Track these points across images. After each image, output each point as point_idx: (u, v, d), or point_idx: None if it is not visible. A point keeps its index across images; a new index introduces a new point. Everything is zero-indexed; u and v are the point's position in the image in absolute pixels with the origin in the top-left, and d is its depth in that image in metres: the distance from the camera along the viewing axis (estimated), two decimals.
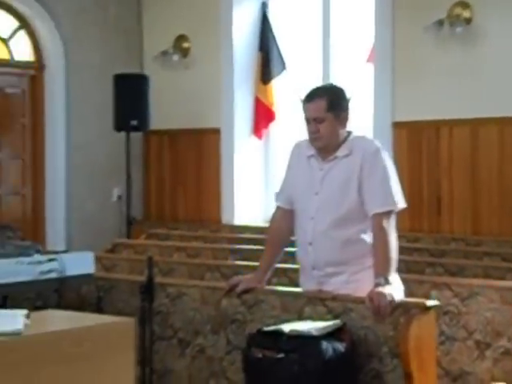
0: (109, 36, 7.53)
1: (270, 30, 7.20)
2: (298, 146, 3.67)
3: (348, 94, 3.65)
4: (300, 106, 3.60)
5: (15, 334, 2.52)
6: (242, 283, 3.62)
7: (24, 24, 7.19)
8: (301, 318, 3.36)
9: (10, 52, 7.16)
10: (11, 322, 2.59)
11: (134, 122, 7.04)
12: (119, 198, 7.44)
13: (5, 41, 7.12)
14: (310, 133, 3.50)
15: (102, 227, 7.24)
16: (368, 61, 6.61)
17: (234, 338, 3.52)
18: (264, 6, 7.29)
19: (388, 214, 3.39)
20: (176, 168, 7.66)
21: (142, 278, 3.68)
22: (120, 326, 2.76)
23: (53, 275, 3.63)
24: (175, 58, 7.52)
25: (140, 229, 6.96)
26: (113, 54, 7.53)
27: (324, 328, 3.12)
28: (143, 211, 7.75)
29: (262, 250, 4.10)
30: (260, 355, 3.09)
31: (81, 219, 7.25)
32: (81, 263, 3.80)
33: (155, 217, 7.71)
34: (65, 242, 7.05)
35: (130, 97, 7.01)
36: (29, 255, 3.72)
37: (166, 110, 7.51)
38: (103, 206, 7.41)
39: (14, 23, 7.14)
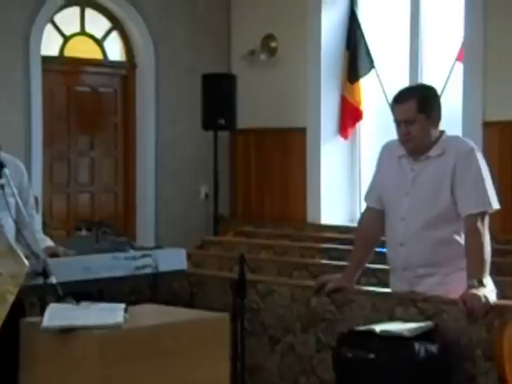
0: (197, 35, 7.65)
1: (359, 28, 7.17)
2: (388, 146, 3.65)
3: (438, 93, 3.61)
4: (387, 104, 3.58)
5: (116, 326, 2.61)
6: (332, 282, 3.63)
7: (116, 25, 7.38)
8: (392, 318, 3.36)
9: (103, 52, 7.37)
10: (111, 315, 2.69)
11: (222, 121, 7.13)
12: (206, 196, 7.56)
13: (99, 41, 7.33)
14: (401, 135, 3.47)
15: (190, 225, 7.37)
16: (458, 59, 6.52)
17: (324, 336, 3.54)
18: (353, 4, 7.26)
19: (482, 215, 3.35)
20: (262, 166, 7.72)
21: (233, 275, 3.75)
22: (215, 322, 2.82)
23: (147, 270, 3.72)
24: (263, 57, 7.57)
25: (227, 226, 7.06)
26: (201, 53, 7.64)
27: (416, 329, 3.11)
28: (230, 209, 7.84)
29: (348, 250, 4.11)
30: (351, 355, 3.11)
31: (169, 216, 7.39)
32: (173, 259, 3.89)
33: (241, 215, 7.79)
34: (154, 238, 7.21)
35: (218, 96, 7.11)
36: (124, 251, 3.83)
37: (253, 109, 7.57)
38: (191, 203, 7.54)
39: (107, 24, 7.34)
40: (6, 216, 3.32)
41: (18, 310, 3.19)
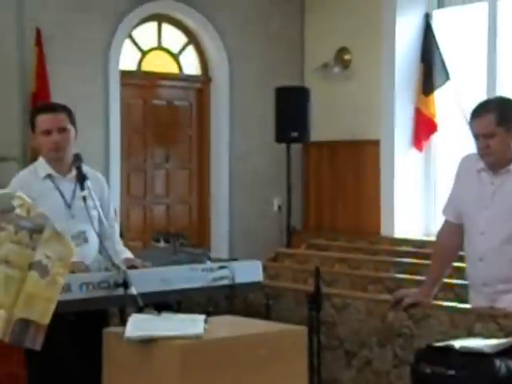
0: (271, 49, 7.71)
1: (434, 41, 7.11)
2: (467, 159, 3.61)
3: None
4: (463, 117, 3.54)
5: (196, 337, 2.65)
6: (409, 297, 3.61)
7: (192, 39, 7.50)
8: (471, 334, 3.31)
9: (179, 66, 7.50)
10: (192, 326, 2.73)
11: (295, 134, 7.16)
12: (279, 208, 7.59)
13: (175, 56, 7.46)
14: (480, 149, 3.42)
15: (262, 236, 7.41)
16: None
17: (401, 351, 3.52)
18: (427, 17, 7.21)
19: None
20: (335, 179, 7.71)
21: (308, 288, 3.76)
22: (293, 334, 2.83)
23: (224, 282, 3.75)
24: (336, 70, 7.59)
25: (299, 239, 7.07)
26: (275, 66, 7.70)
27: (497, 345, 3.05)
28: (302, 221, 7.85)
29: (423, 264, 4.06)
30: (429, 371, 3.07)
31: (242, 228, 7.45)
32: (249, 271, 3.91)
33: (314, 227, 7.79)
34: (227, 250, 7.27)
35: (291, 109, 7.14)
36: (201, 262, 3.88)
37: (326, 122, 7.58)
38: (264, 215, 7.58)
39: (183, 39, 7.47)
40: (89, 228, 3.42)
41: (102, 319, 3.29)
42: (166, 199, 7.45)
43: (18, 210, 2.45)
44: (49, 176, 3.51)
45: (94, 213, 3.42)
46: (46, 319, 2.43)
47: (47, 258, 2.43)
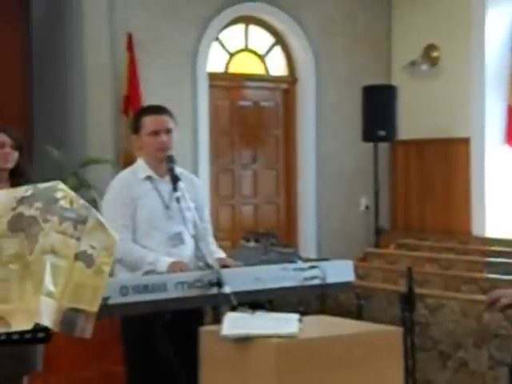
0: (357, 47, 7.67)
1: None
2: None
3: None
4: None
5: (291, 336, 2.67)
6: (505, 297, 3.52)
7: (279, 40, 7.53)
8: None
9: (266, 67, 7.55)
10: (287, 325, 2.75)
11: (382, 133, 7.10)
12: (367, 207, 7.54)
13: (262, 57, 7.51)
14: None
15: (350, 236, 7.38)
16: None
17: (498, 353, 3.45)
18: None
19: None
20: (423, 178, 7.61)
21: (400, 288, 3.73)
22: (388, 335, 2.81)
23: (315, 282, 3.75)
24: (424, 67, 7.49)
25: (387, 239, 7.01)
26: (361, 64, 7.66)
27: None
28: (390, 221, 7.78)
29: None
30: None
31: (329, 228, 7.44)
32: (341, 271, 3.89)
33: (402, 227, 7.71)
34: (315, 249, 7.27)
35: (379, 107, 7.08)
36: (292, 262, 3.90)
37: (414, 120, 7.49)
38: (351, 215, 7.55)
39: (269, 40, 7.51)
40: (185, 230, 3.48)
41: (198, 318, 3.35)
42: (253, 199, 7.50)
43: (61, 202, 2.48)
44: (148, 178, 3.55)
45: (189, 214, 3.48)
46: (95, 307, 2.45)
47: (92, 248, 2.45)
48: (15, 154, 3.71)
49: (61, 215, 2.45)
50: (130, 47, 6.43)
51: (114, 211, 3.51)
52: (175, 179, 3.53)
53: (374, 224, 7.14)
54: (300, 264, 3.83)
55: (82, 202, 2.53)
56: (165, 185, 3.54)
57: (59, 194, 2.49)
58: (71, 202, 2.48)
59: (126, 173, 3.73)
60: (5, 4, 6.45)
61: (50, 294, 2.36)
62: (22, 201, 2.45)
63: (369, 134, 7.14)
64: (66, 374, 4.51)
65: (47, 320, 2.34)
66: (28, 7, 6.68)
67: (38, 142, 6.15)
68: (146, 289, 3.27)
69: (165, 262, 3.46)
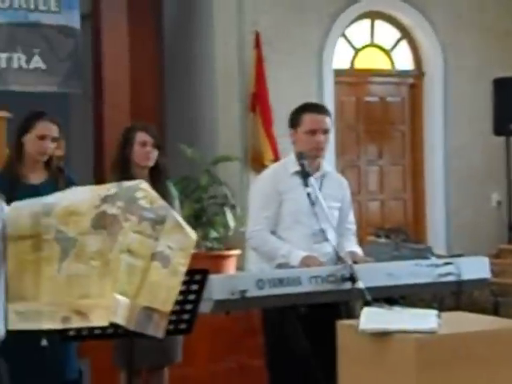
0: (487, 39, 7.46)
1: None
2: None
3: None
4: None
5: (431, 332, 2.66)
6: None
7: (405, 34, 7.44)
8: None
9: (392, 62, 7.48)
10: (425, 320, 2.74)
11: None
12: (499, 203, 7.34)
13: (388, 52, 7.45)
14: None
15: (480, 232, 7.20)
16: None
17: None
18: None
19: None
20: None
21: None
22: None
23: (450, 278, 3.70)
24: None
25: None
26: (491, 56, 7.44)
27: None
28: None
29: None
30: None
31: (459, 224, 7.28)
32: (476, 267, 3.83)
33: None
34: (445, 246, 7.14)
35: (510, 100, 6.88)
36: (425, 258, 3.86)
37: None
38: (481, 211, 7.36)
39: (395, 34, 7.43)
40: (329, 227, 3.50)
41: (334, 312, 3.37)
42: (380, 195, 7.45)
43: (141, 202, 2.49)
44: (297, 173, 3.58)
45: (335, 213, 3.52)
46: (168, 307, 2.46)
47: (169, 248, 2.46)
48: (155, 153, 3.85)
49: (140, 215, 2.48)
50: (258, 45, 6.52)
51: (258, 202, 3.61)
52: (306, 175, 3.56)
53: (507, 220, 6.93)
54: (434, 260, 3.79)
55: (161, 202, 2.55)
56: (313, 181, 3.57)
57: (140, 194, 2.51)
58: (151, 202, 2.50)
59: (276, 166, 3.80)
60: (138, 5, 6.70)
61: (124, 293, 2.41)
62: (105, 199, 2.49)
63: (500, 128, 6.94)
64: (202, 366, 4.64)
65: (120, 318, 2.38)
66: (160, 8, 6.91)
67: (169, 139, 6.34)
68: (281, 282, 3.33)
69: (297, 255, 3.51)
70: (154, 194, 2.53)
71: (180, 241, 2.48)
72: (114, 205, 2.48)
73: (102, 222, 2.46)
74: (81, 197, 2.54)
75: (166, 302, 2.45)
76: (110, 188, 2.56)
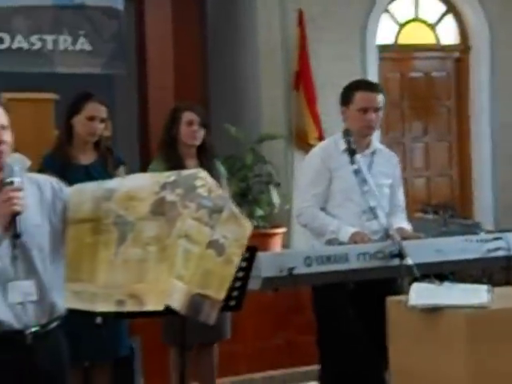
0: None
1: None
2: None
3: None
4: None
5: (482, 306, 2.65)
6: None
7: (450, 8, 7.33)
8: None
9: (436, 37, 7.38)
10: (476, 295, 2.73)
11: None
12: None
13: (432, 26, 7.35)
14: None
15: None
16: None
17: None
18: None
19: None
20: None
21: None
22: None
23: (500, 253, 3.67)
24: None
25: None
26: None
27: None
28: None
29: None
30: None
31: (507, 201, 7.19)
32: None
33: None
34: (492, 222, 7.07)
35: None
36: (474, 233, 3.83)
37: None
38: None
39: (441, 8, 7.33)
40: (378, 205, 3.46)
41: (384, 288, 3.35)
42: (425, 172, 7.39)
43: (200, 190, 2.51)
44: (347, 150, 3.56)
45: (385, 190, 3.51)
46: (221, 295, 2.48)
47: (224, 237, 2.48)
48: (202, 132, 3.88)
49: (198, 203, 2.50)
50: (301, 23, 6.49)
51: (307, 178, 3.62)
52: (352, 152, 3.55)
53: None
54: (483, 235, 3.76)
55: (220, 192, 2.58)
56: (364, 158, 3.55)
57: (199, 182, 2.54)
58: (209, 191, 2.53)
59: (327, 143, 3.79)
60: None
61: (180, 277, 2.43)
62: (164, 186, 2.52)
63: None
64: (250, 342, 4.69)
65: (176, 302, 2.41)
66: None
67: (214, 119, 6.36)
68: (328, 259, 3.34)
69: (347, 231, 3.51)
70: (212, 183, 2.56)
71: (235, 231, 2.51)
72: (173, 192, 2.51)
73: (161, 209, 2.50)
74: (141, 183, 2.58)
75: (219, 290, 2.48)
76: (169, 175, 2.60)
